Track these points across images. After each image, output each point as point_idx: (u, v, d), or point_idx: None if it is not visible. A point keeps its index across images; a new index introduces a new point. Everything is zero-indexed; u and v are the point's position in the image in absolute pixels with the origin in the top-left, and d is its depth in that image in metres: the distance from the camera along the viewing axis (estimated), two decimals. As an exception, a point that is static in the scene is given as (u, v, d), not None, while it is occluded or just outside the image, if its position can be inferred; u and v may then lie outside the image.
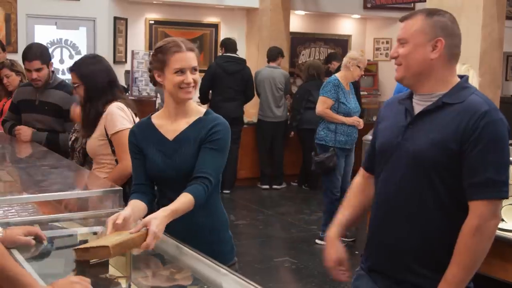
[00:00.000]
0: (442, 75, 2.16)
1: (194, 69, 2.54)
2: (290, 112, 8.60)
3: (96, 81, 3.44)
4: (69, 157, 3.86)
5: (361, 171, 2.47)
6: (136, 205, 2.49)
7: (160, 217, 2.25)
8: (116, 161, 3.44)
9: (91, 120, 3.48)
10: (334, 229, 2.41)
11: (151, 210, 2.53)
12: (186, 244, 2.36)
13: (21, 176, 3.55)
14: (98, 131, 3.45)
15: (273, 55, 8.48)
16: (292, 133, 8.48)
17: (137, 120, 3.41)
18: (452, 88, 2.16)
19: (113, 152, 3.45)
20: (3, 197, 2.80)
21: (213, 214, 2.64)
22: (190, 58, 2.53)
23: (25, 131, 4.47)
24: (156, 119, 2.65)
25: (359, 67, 6.03)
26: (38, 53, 4.41)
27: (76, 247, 2.20)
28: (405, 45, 2.16)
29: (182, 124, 2.59)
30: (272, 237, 6.49)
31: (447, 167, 2.07)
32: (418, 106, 2.20)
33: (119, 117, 3.36)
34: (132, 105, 3.54)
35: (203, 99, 8.03)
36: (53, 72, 4.56)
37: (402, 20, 2.22)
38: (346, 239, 6.02)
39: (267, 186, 8.55)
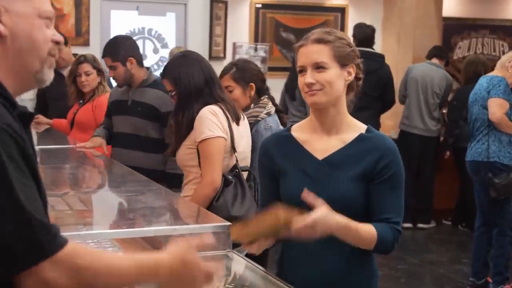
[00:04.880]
0: None
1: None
2: (445, 126, 8.50)
3: (191, 84, 3.68)
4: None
5: None
6: None
7: (329, 215, 2.31)
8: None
9: (184, 130, 3.70)
10: None
11: None
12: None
13: (98, 204, 3.70)
14: (190, 137, 3.68)
15: (440, 50, 8.74)
16: (448, 153, 8.37)
17: (237, 128, 3.65)
18: None
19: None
20: (77, 231, 2.81)
21: (365, 266, 2.63)
22: None
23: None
24: (298, 132, 2.65)
25: None
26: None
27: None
28: None
29: (336, 143, 2.58)
30: (420, 295, 6.42)
31: None
32: None
33: (210, 122, 3.57)
34: (234, 109, 3.72)
35: None
36: (148, 68, 4.89)
37: None
38: None
39: (410, 225, 8.39)
